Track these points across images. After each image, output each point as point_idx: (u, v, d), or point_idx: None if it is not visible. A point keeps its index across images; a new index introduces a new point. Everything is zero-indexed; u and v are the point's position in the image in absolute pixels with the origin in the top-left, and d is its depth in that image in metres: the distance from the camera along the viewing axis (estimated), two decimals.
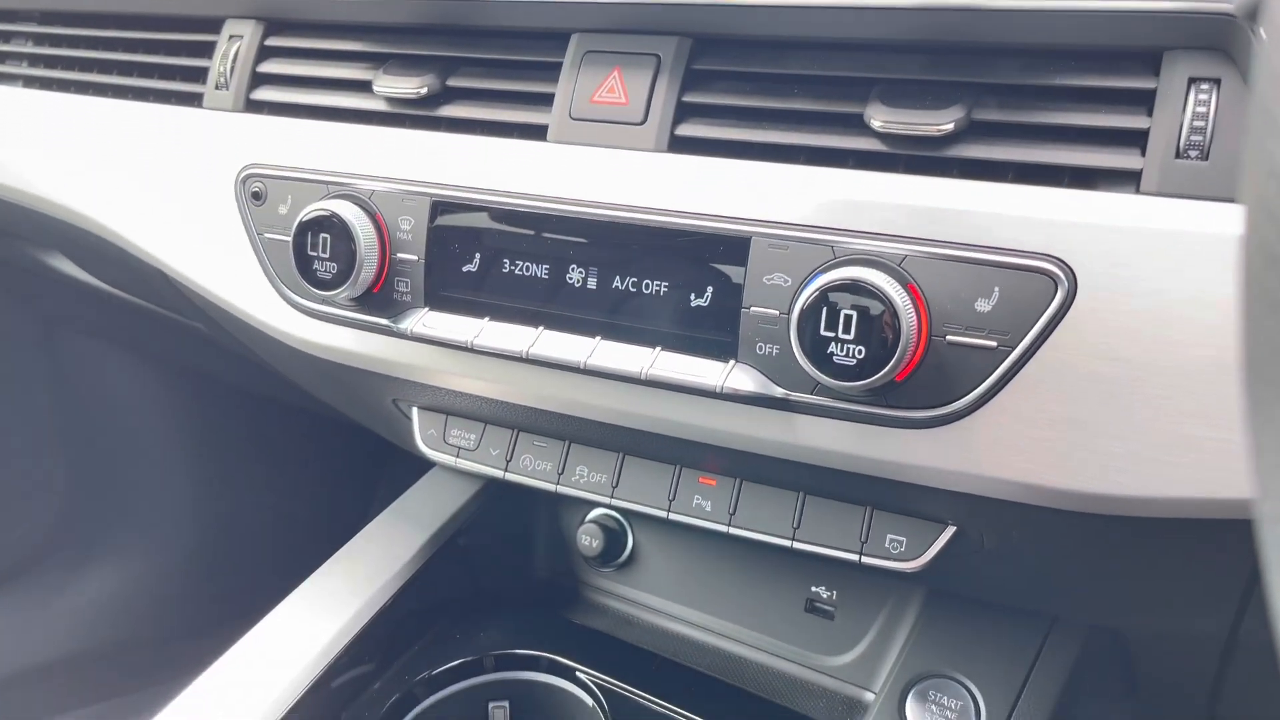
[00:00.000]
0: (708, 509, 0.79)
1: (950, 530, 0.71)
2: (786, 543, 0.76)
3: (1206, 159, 0.58)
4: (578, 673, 0.88)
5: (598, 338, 0.70)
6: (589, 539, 1.00)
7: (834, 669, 0.90)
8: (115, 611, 1.67)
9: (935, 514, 0.70)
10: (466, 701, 0.90)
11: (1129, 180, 0.60)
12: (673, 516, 0.80)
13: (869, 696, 0.88)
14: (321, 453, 1.81)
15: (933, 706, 0.81)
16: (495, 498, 1.02)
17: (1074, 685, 0.81)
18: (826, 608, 0.91)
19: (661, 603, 0.99)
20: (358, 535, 1.00)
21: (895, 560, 0.73)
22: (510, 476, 0.86)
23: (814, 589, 0.93)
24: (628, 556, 1.01)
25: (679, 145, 0.70)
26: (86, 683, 1.64)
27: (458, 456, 0.88)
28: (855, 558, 0.74)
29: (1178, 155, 0.58)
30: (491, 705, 0.90)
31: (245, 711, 0.81)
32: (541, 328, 0.72)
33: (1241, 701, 0.91)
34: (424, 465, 1.03)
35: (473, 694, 0.90)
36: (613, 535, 1.01)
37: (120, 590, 1.68)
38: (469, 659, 0.90)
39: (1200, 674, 0.88)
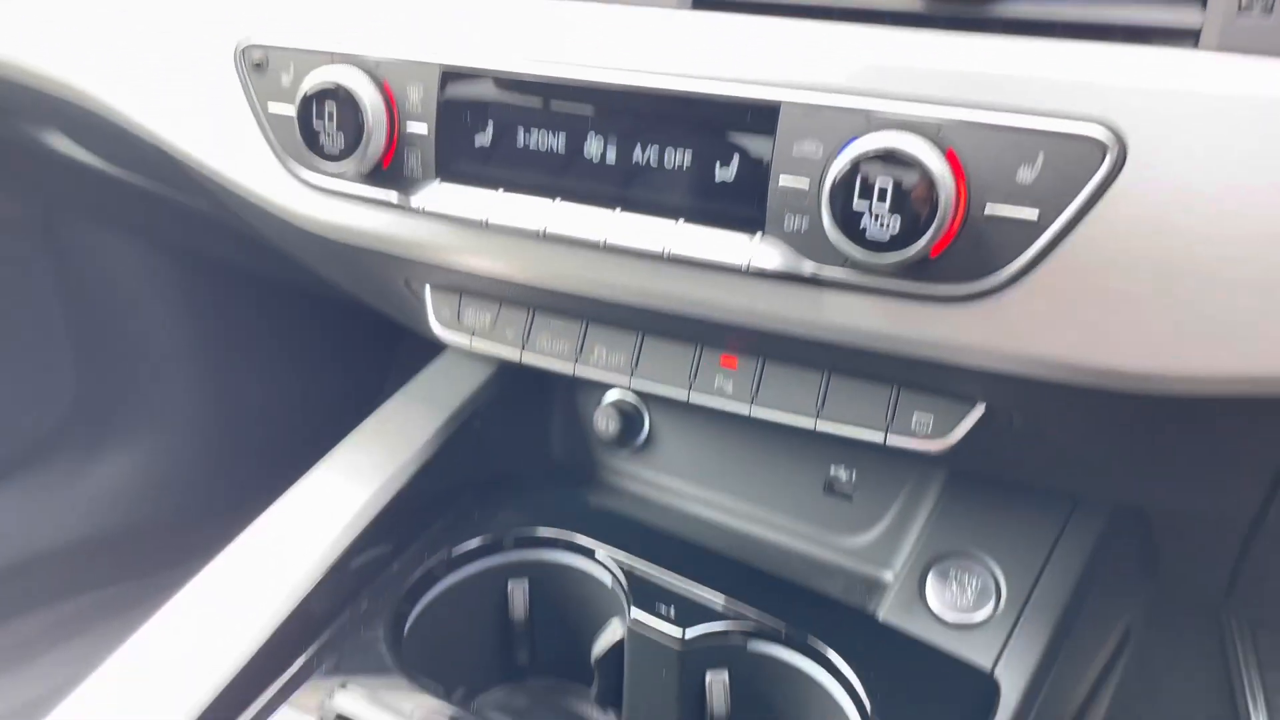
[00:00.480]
0: (729, 390, 0.77)
1: (979, 409, 0.69)
2: (810, 424, 0.74)
3: (1270, 12, 0.54)
4: (597, 552, 0.88)
5: (617, 211, 0.67)
6: (605, 422, 0.99)
7: (852, 549, 0.90)
8: (129, 497, 1.68)
9: (965, 393, 0.69)
10: (486, 580, 0.90)
11: (1186, 38, 0.56)
12: (693, 399, 0.78)
13: (888, 576, 0.88)
14: (331, 337, 1.80)
15: (953, 584, 0.81)
16: (510, 380, 1.01)
17: (1095, 564, 0.81)
18: (845, 489, 0.91)
19: (679, 484, 0.99)
20: (371, 417, 0.99)
21: (921, 440, 0.72)
22: (527, 359, 0.84)
23: (833, 470, 0.92)
24: (644, 439, 1.00)
25: (704, 2, 0.66)
26: (103, 566, 1.67)
27: (472, 338, 0.86)
28: (880, 438, 0.72)
29: (1240, 9, 0.54)
30: (511, 584, 0.91)
31: (266, 592, 0.82)
32: (559, 202, 0.69)
33: (1260, 580, 0.91)
34: (436, 348, 1.02)
35: (492, 573, 0.91)
36: (629, 418, 1.00)
37: (133, 476, 1.69)
38: (488, 538, 0.90)
39: (1221, 556, 0.88)
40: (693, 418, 0.98)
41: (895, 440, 0.72)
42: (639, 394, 0.96)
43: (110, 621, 1.66)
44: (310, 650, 0.81)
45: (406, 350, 1.88)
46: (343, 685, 0.70)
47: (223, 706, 0.75)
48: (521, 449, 1.04)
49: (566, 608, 0.90)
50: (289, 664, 0.80)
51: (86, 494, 1.67)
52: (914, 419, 0.72)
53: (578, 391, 1.04)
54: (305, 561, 0.84)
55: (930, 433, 0.71)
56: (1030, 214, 0.58)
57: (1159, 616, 1.05)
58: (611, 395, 1.01)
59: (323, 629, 0.83)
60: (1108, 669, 0.92)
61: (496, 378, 1.00)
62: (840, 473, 0.91)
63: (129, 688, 0.76)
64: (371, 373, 1.89)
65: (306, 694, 0.77)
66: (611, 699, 0.88)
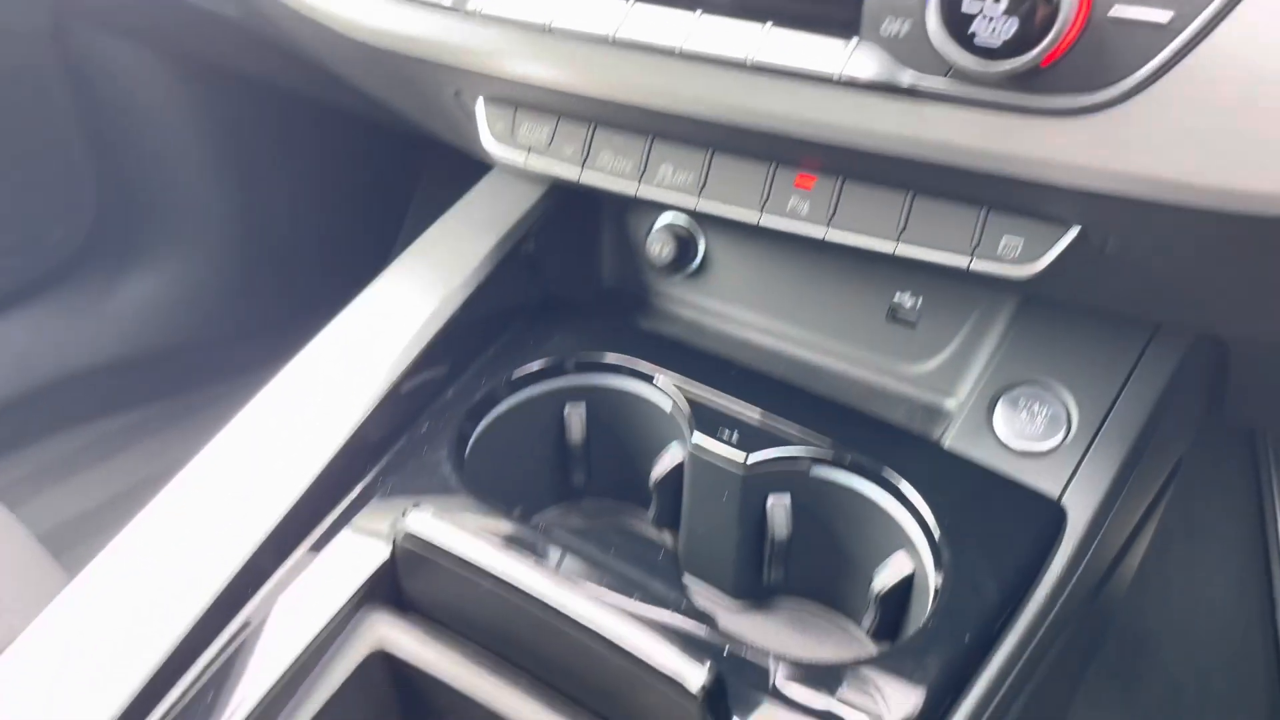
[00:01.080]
0: (804, 212, 0.73)
1: (1073, 233, 0.66)
2: (890, 247, 0.71)
3: None
4: (657, 378, 0.86)
5: (699, 14, 0.62)
6: (659, 246, 0.96)
7: (916, 377, 0.88)
8: (158, 317, 1.68)
9: (1060, 215, 0.65)
10: (544, 404, 0.90)
11: None
12: (765, 222, 0.75)
13: (953, 404, 0.86)
14: (357, 156, 1.75)
15: (1022, 413, 0.80)
16: (560, 202, 0.97)
17: (1168, 394, 0.79)
18: (909, 316, 0.88)
19: (735, 311, 0.96)
20: (420, 239, 0.96)
21: (1008, 265, 0.69)
22: (586, 178, 0.80)
23: (897, 297, 0.89)
24: (699, 264, 0.97)
25: None
26: (137, 385, 1.68)
27: (528, 155, 0.82)
28: (964, 263, 0.69)
29: None
30: (568, 407, 0.90)
31: (323, 417, 0.81)
32: (633, 3, 0.64)
33: None
34: (464, 170, 0.97)
35: (550, 397, 0.90)
36: (683, 242, 0.96)
37: (160, 295, 1.68)
38: (547, 362, 0.88)
39: None
40: (749, 242, 0.95)
41: (980, 265, 0.69)
42: (698, 217, 0.92)
43: (148, 441, 1.68)
44: (371, 474, 0.81)
45: (432, 170, 1.83)
46: (415, 504, 0.70)
47: (286, 533, 0.76)
48: (571, 274, 1.01)
49: (624, 432, 0.90)
50: (350, 488, 0.80)
51: (115, 314, 1.66)
52: (1002, 243, 0.68)
53: (629, 215, 1.00)
54: (362, 385, 0.83)
55: (1018, 257, 0.68)
56: (1162, 15, 0.53)
57: (1202, 444, 1.05)
58: (665, 219, 0.98)
59: (382, 452, 0.83)
60: (1157, 498, 0.92)
61: (547, 199, 0.96)
62: (904, 299, 0.88)
63: (189, 516, 0.76)
64: (397, 193, 1.85)
65: (370, 517, 0.77)
66: (668, 521, 0.88)
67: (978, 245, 0.69)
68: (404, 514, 0.69)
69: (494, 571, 0.65)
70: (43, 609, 0.90)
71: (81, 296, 1.64)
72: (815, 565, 0.84)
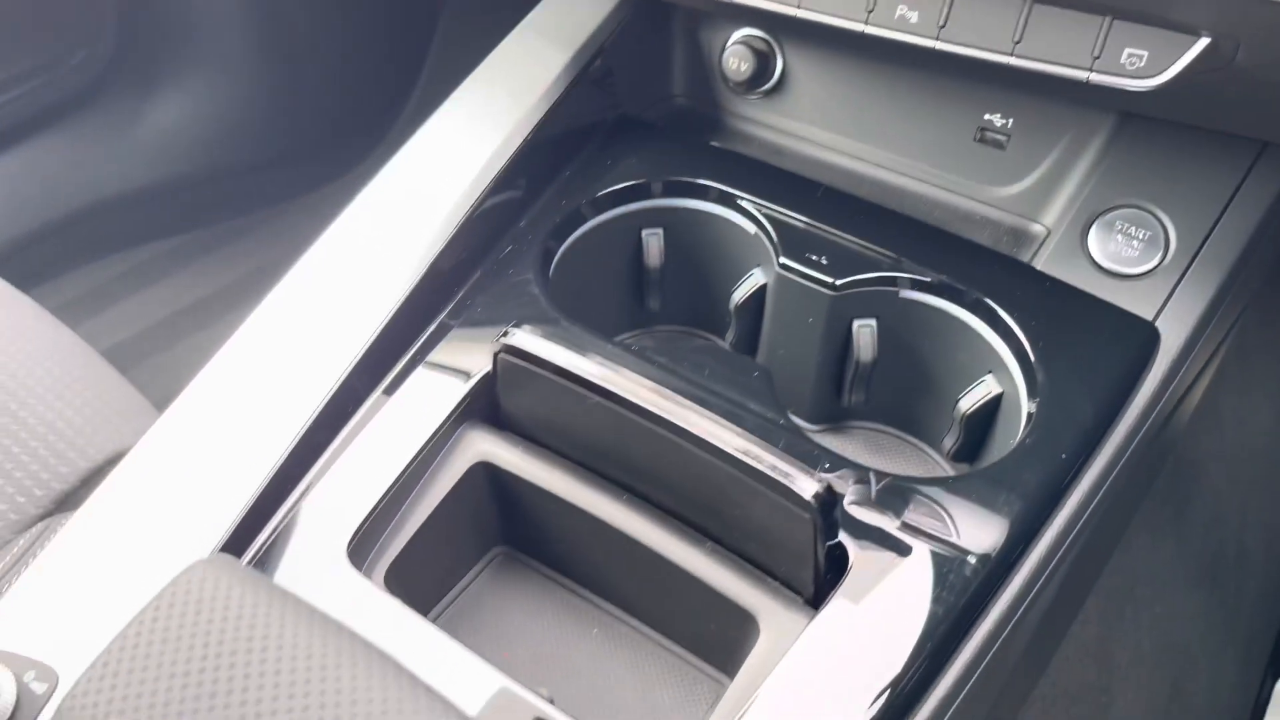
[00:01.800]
0: (913, 20, 0.70)
1: (1203, 42, 0.63)
2: (1004, 58, 0.68)
3: None
4: (741, 200, 0.85)
5: None
6: (736, 61, 0.93)
7: (1004, 199, 0.86)
8: (186, 143, 1.64)
9: (1190, 22, 0.62)
10: (621, 229, 0.88)
11: None
12: (870, 30, 0.72)
13: (1038, 227, 0.85)
14: None
15: (1118, 235, 0.79)
16: (632, 15, 0.93)
17: (1269, 219, 0.78)
18: (998, 137, 0.86)
19: (815, 132, 0.94)
20: (491, 56, 0.93)
21: (1130, 79, 0.66)
22: None
23: (986, 117, 0.86)
24: (777, 81, 0.94)
25: None
26: (171, 212, 1.66)
27: None
28: (1084, 76, 0.67)
29: None
30: (647, 230, 0.89)
31: (403, 244, 0.80)
32: None
33: None
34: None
35: (626, 221, 0.88)
36: (761, 56, 0.93)
37: (191, 120, 1.64)
38: (627, 184, 0.86)
39: None
40: (830, 58, 0.91)
41: (1100, 79, 0.67)
42: (776, 30, 0.89)
43: (192, 265, 1.68)
44: (457, 297, 0.81)
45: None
46: (516, 324, 0.69)
47: (382, 352, 0.76)
48: (643, 94, 0.98)
49: (703, 256, 0.89)
50: (437, 311, 0.80)
51: (142, 140, 1.62)
52: (1124, 54, 0.66)
53: (703, 29, 0.96)
54: (442, 208, 0.82)
55: (1142, 70, 0.65)
56: None
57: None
58: (741, 32, 0.94)
59: (466, 276, 0.82)
60: (1229, 329, 0.91)
61: (619, 11, 0.92)
62: (994, 119, 0.86)
63: (281, 342, 0.76)
64: (423, 12, 1.78)
65: (463, 337, 0.77)
66: (745, 347, 0.89)
67: (1099, 57, 0.66)
68: (505, 332, 0.69)
69: (600, 383, 0.66)
70: (121, 430, 0.92)
71: (107, 123, 1.61)
72: (896, 389, 0.85)
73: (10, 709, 0.57)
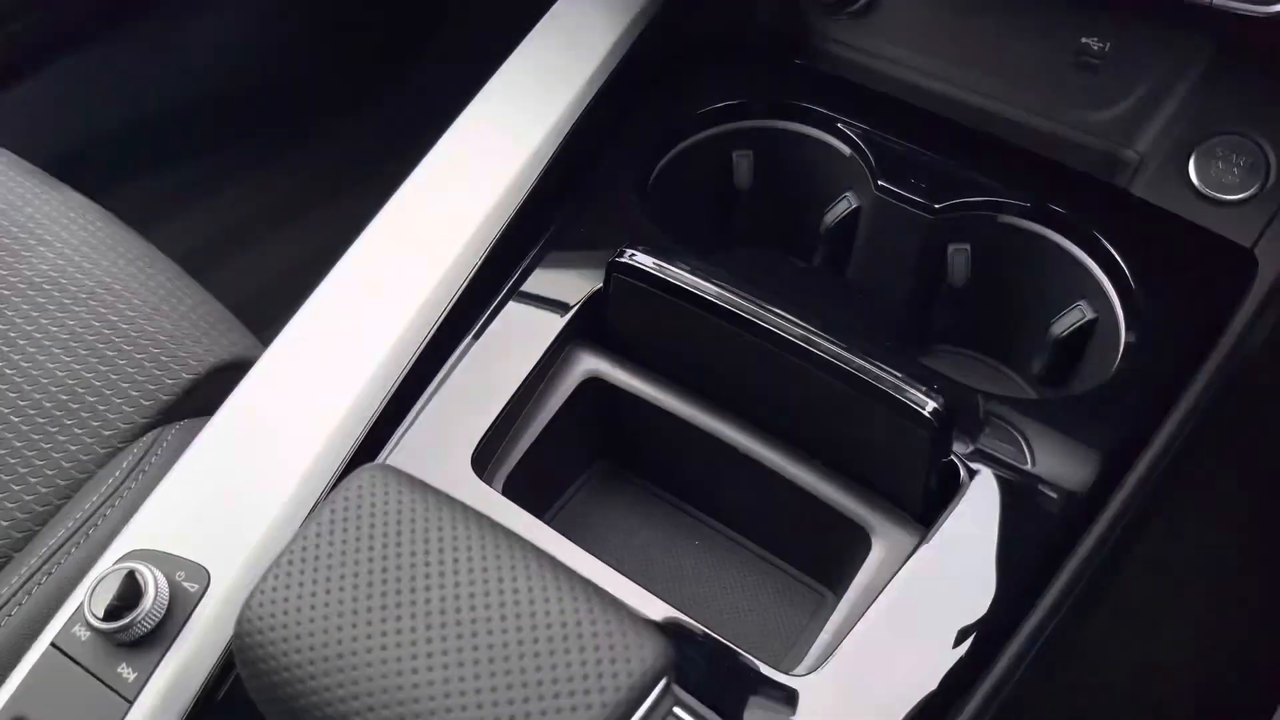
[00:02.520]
0: None
1: None
2: None
3: None
4: (837, 122, 0.85)
5: None
6: None
7: (1101, 124, 0.86)
8: (241, 55, 1.63)
9: None
10: (710, 150, 0.89)
11: None
12: None
13: (1136, 153, 0.85)
14: None
15: (1218, 162, 0.79)
16: None
17: None
18: (1096, 61, 0.85)
19: (904, 54, 0.93)
20: None
21: (1250, 2, 0.66)
22: None
23: (1083, 40, 0.86)
24: (864, 2, 0.93)
25: None
26: (222, 127, 1.65)
27: None
28: None
29: None
30: (736, 155, 0.89)
31: (504, 164, 0.81)
32: None
33: None
34: None
35: (716, 142, 0.89)
36: None
37: (229, 38, 1.62)
38: (720, 105, 0.86)
39: None
40: None
41: (1222, 1, 0.66)
42: None
43: (251, 178, 1.66)
44: (560, 219, 0.81)
45: None
46: (629, 245, 0.70)
47: (498, 261, 0.77)
48: (730, 13, 0.97)
49: (795, 178, 0.89)
50: (539, 238, 0.80)
51: (194, 52, 1.61)
52: None
53: None
54: (541, 130, 0.82)
55: None
56: None
57: None
58: None
59: (569, 196, 0.82)
60: None
61: None
62: (1091, 43, 0.85)
63: (388, 265, 0.77)
64: None
65: (565, 266, 0.78)
66: (835, 269, 0.90)
67: None
68: (620, 252, 0.70)
69: (718, 302, 0.67)
70: (218, 342, 0.94)
71: (161, 34, 1.59)
72: (986, 314, 0.86)
73: (165, 607, 0.60)
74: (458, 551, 0.47)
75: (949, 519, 0.64)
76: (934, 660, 0.60)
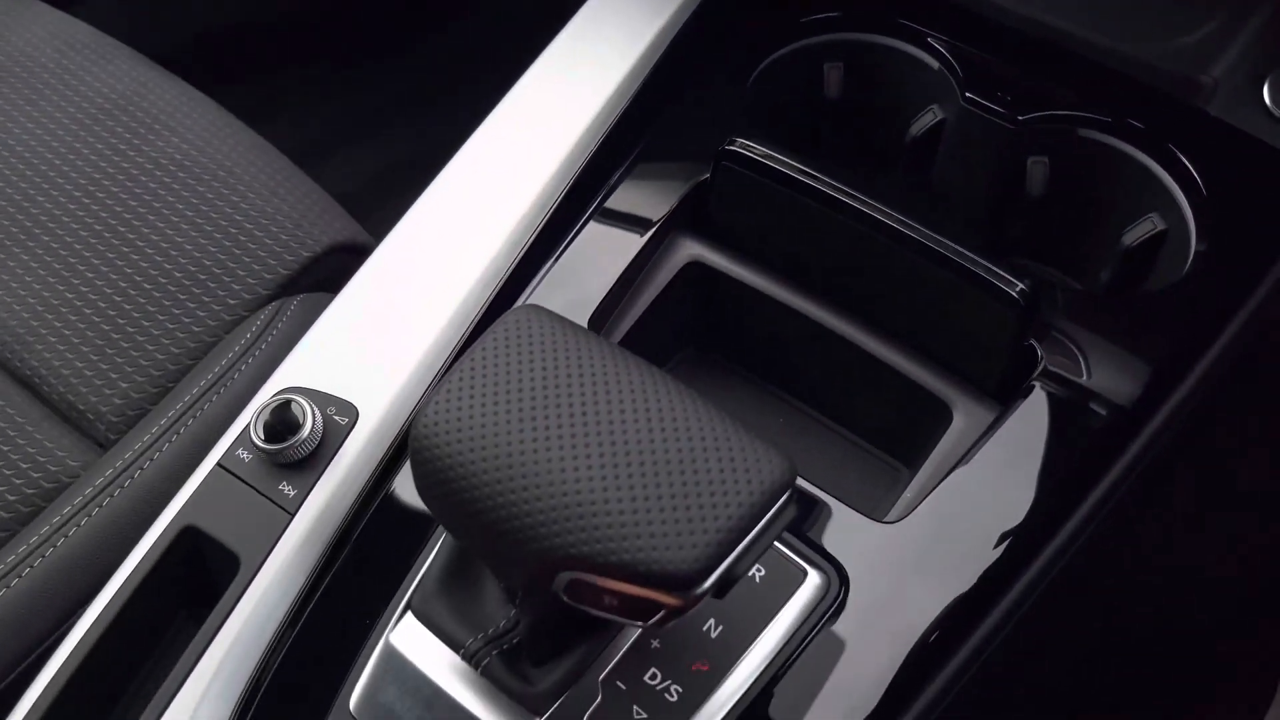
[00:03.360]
0: None
1: None
2: None
3: None
4: (927, 36, 0.89)
5: None
6: None
7: (1177, 49, 0.90)
8: None
9: None
10: (802, 62, 0.93)
11: None
12: None
13: (1212, 77, 0.89)
14: None
15: None
16: None
17: None
18: None
19: None
20: None
21: None
22: None
23: None
24: None
25: None
26: (318, 32, 1.68)
27: None
28: None
29: None
30: (826, 66, 0.94)
31: (608, 68, 0.85)
32: None
33: None
34: None
35: (808, 54, 0.93)
36: None
37: None
38: (808, 18, 0.91)
39: None
40: None
41: None
42: None
43: (344, 84, 1.69)
44: (665, 118, 0.86)
45: None
46: (744, 138, 0.76)
47: (591, 174, 0.82)
48: None
49: (885, 91, 0.94)
50: (643, 135, 0.85)
51: None
52: None
53: None
54: (648, 30, 0.87)
55: None
56: None
57: None
58: None
59: (666, 99, 0.87)
60: None
61: None
62: None
63: (502, 163, 0.82)
64: None
65: (667, 159, 0.83)
66: (917, 179, 0.94)
67: None
68: (730, 140, 0.76)
69: (819, 186, 0.72)
70: (332, 224, 1.01)
71: None
72: (1058, 225, 0.91)
73: (320, 436, 0.67)
74: (608, 375, 0.53)
75: (1027, 398, 0.70)
76: (1009, 521, 0.66)
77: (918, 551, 0.64)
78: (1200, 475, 0.80)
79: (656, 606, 0.50)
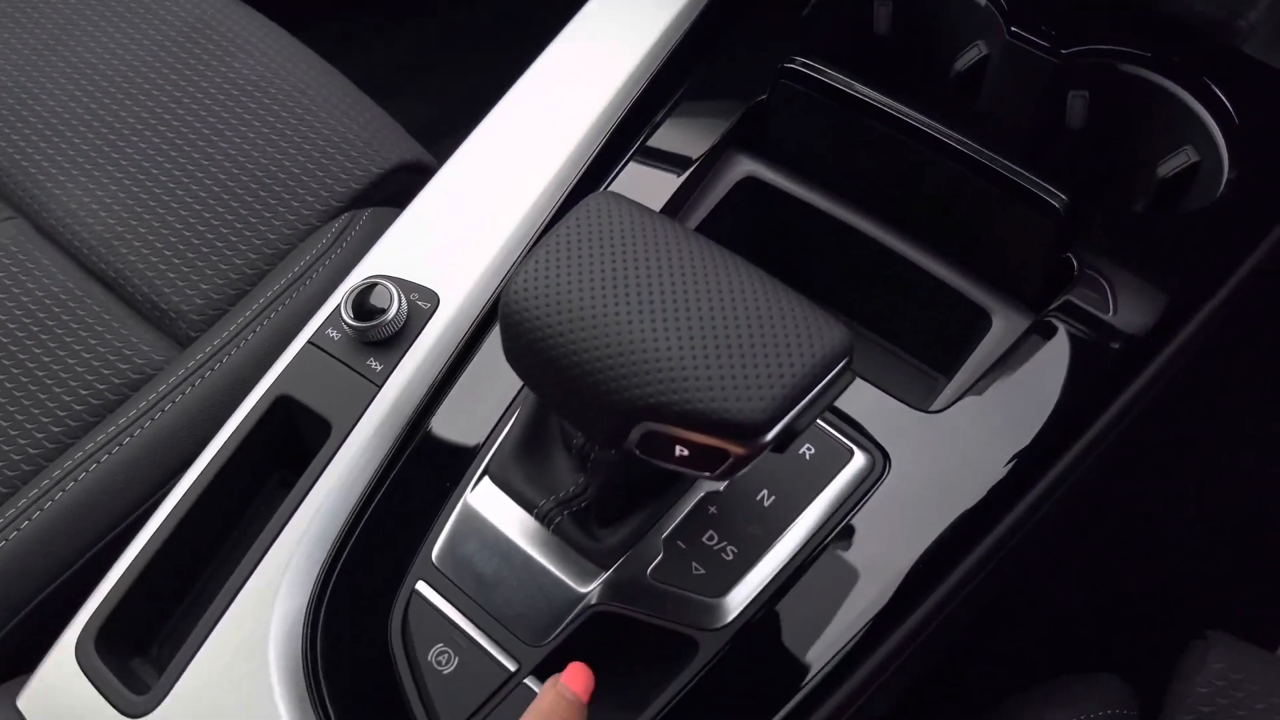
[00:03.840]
0: None
1: None
2: None
3: None
4: None
5: None
6: None
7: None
8: None
9: None
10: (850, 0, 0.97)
11: None
12: None
13: (1242, 24, 0.93)
14: None
15: None
16: None
17: None
18: None
19: None
20: None
21: None
22: None
23: None
24: None
25: None
26: None
27: None
28: None
29: None
30: (876, 4, 0.97)
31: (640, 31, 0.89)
32: None
33: None
34: None
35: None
36: None
37: None
38: None
39: None
40: None
41: None
42: None
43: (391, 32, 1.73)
44: (717, 49, 0.90)
45: None
46: (802, 57, 0.80)
47: (651, 94, 0.86)
48: None
49: (929, 26, 0.98)
50: (701, 57, 0.90)
51: None
52: None
53: None
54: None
55: None
56: None
57: None
58: None
59: (717, 37, 0.92)
60: None
61: None
62: None
63: (565, 85, 0.86)
64: None
65: (724, 79, 0.88)
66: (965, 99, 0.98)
67: None
68: (790, 58, 0.80)
69: (875, 102, 0.77)
70: (400, 145, 1.05)
71: None
72: (1094, 157, 0.95)
73: (405, 318, 0.72)
74: (683, 250, 0.58)
75: (1062, 306, 0.74)
76: (1043, 417, 0.70)
77: (957, 440, 0.69)
78: (1226, 380, 0.84)
79: (724, 455, 0.55)
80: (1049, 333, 0.73)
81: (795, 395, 0.54)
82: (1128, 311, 0.75)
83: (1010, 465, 0.69)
